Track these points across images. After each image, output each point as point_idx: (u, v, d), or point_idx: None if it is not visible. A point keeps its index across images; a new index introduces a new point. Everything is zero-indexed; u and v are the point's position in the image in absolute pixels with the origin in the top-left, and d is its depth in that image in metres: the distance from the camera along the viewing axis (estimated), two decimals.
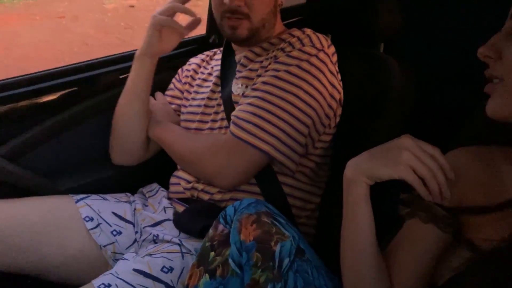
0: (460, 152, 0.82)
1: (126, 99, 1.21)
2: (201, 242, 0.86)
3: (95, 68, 1.35)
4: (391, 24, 1.27)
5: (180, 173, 1.22)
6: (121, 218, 1.17)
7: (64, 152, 1.27)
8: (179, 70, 1.39)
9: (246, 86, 1.15)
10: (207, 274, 0.79)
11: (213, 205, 1.13)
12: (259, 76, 1.14)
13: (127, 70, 1.23)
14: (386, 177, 0.73)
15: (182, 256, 1.02)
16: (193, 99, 1.29)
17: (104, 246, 1.12)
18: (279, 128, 1.05)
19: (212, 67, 1.31)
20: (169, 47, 1.19)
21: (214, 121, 1.20)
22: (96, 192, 1.22)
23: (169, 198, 1.23)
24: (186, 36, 1.23)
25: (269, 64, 1.13)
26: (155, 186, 1.29)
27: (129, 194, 1.27)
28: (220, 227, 0.84)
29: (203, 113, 1.23)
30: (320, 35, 1.16)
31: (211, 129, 1.20)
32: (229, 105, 1.16)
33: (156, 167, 1.29)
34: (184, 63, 1.40)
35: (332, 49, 1.17)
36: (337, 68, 1.17)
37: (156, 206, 1.21)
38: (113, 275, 0.95)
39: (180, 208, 1.17)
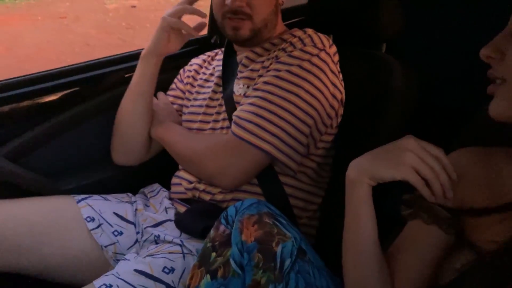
0: (462, 153, 0.81)
1: (130, 99, 1.22)
2: (202, 242, 0.86)
3: (96, 68, 1.36)
4: (393, 24, 1.26)
5: (181, 173, 1.22)
6: (122, 218, 1.17)
7: (66, 152, 1.27)
8: (181, 71, 1.39)
9: (248, 86, 1.15)
10: (208, 275, 0.79)
11: (215, 206, 1.12)
12: (260, 76, 1.13)
13: (128, 70, 1.23)
14: (388, 178, 0.73)
15: (184, 257, 1.02)
16: (195, 99, 1.29)
17: (105, 247, 1.12)
18: (280, 128, 1.05)
19: (214, 68, 1.31)
20: (176, 47, 1.22)
21: (215, 121, 1.20)
22: (98, 192, 1.22)
23: (170, 199, 1.23)
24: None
25: (271, 64, 1.13)
26: (156, 186, 1.29)
27: (130, 195, 1.27)
28: (222, 227, 0.83)
29: (204, 113, 1.23)
30: (321, 35, 1.16)
31: (213, 129, 1.20)
32: (230, 105, 1.16)
33: (157, 168, 1.29)
34: (186, 64, 1.40)
35: (334, 49, 1.17)
36: (338, 68, 1.16)
37: (158, 207, 1.21)
38: (114, 275, 0.95)
39: (182, 209, 1.17)
